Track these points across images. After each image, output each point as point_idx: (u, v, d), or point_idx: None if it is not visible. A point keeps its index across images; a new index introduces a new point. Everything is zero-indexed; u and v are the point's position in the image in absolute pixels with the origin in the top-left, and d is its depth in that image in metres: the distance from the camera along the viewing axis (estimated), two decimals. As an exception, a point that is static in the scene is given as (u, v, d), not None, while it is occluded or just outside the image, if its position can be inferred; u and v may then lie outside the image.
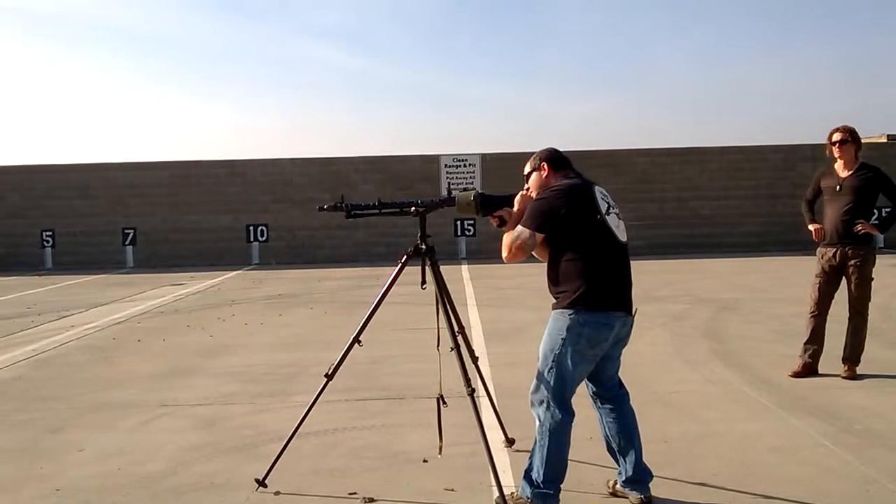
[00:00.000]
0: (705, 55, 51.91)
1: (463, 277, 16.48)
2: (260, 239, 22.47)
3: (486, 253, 20.38)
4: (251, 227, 22.45)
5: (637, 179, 22.20)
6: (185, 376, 7.89)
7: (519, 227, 4.17)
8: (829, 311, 7.09)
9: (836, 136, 6.90)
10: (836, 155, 6.94)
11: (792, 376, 7.02)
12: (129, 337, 10.35)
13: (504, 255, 4.24)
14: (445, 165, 22.47)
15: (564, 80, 52.53)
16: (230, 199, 22.65)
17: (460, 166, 22.46)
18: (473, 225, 21.64)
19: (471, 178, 22.23)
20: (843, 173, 6.91)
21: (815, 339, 7.05)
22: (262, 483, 4.61)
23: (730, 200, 22.41)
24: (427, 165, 22.51)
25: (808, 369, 7.05)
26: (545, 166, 4.32)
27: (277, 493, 4.57)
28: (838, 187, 6.89)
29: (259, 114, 51.55)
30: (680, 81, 52.35)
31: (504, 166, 21.08)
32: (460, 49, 54.05)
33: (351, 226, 20.82)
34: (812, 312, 7.07)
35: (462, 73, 54.72)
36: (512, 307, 12.07)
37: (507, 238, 4.23)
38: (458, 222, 21.73)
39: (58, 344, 9.89)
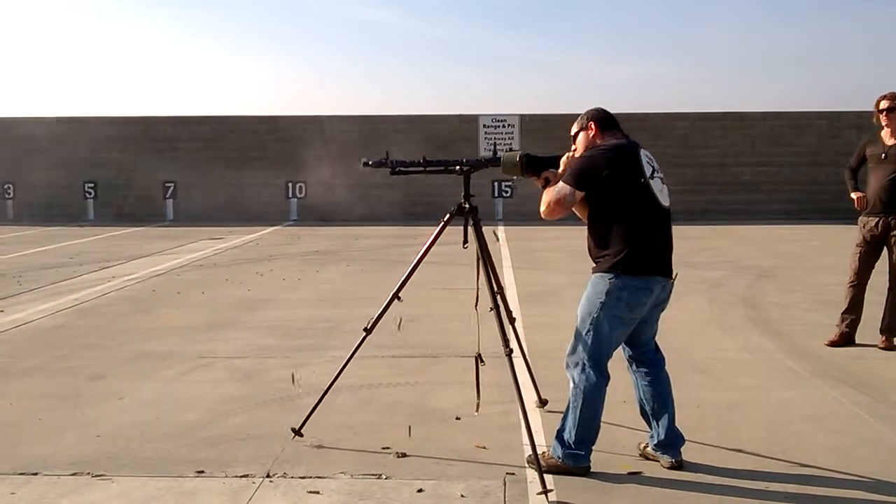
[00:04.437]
0: (751, 18, 50.79)
1: (499, 238, 16.45)
2: (298, 195, 22.59)
3: (523, 214, 20.33)
4: (290, 184, 22.56)
5: (677, 144, 21.92)
6: (223, 329, 8.00)
7: (560, 183, 4.15)
8: (869, 282, 7.00)
9: (884, 104, 6.76)
10: (883, 123, 6.81)
11: (828, 345, 6.97)
12: (168, 289, 10.50)
13: (542, 209, 4.22)
14: (484, 125, 22.35)
15: (606, 41, 51.68)
16: (270, 154, 22.73)
17: (499, 126, 22.34)
18: (511, 186, 21.57)
19: (509, 138, 22.08)
20: (890, 141, 6.78)
21: (854, 309, 6.97)
22: (298, 432, 4.68)
23: (771, 167, 22.09)
24: (466, 125, 22.41)
25: (845, 339, 6.99)
26: (593, 126, 4.28)
27: (315, 445, 4.64)
28: (883, 155, 6.77)
29: (299, 71, 51.41)
30: (725, 45, 51.35)
31: (543, 127, 20.92)
32: (501, 6, 53.34)
33: (389, 185, 20.83)
34: (851, 282, 6.99)
35: (501, 32, 54.11)
36: (547, 269, 12.06)
37: (546, 194, 4.22)
38: (497, 183, 21.67)
39: (99, 294, 10.06)
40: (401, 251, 14.45)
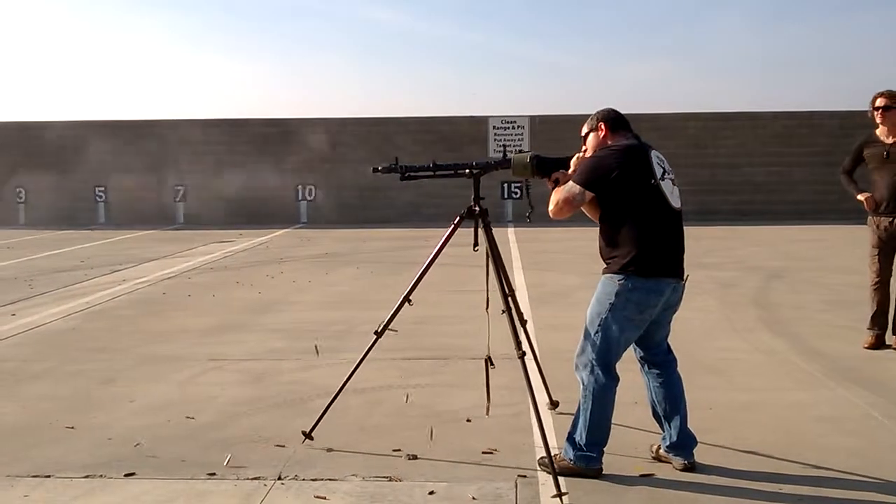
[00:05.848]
0: (761, 17, 50.57)
1: (509, 240, 16.45)
2: (308, 198, 22.61)
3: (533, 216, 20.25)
4: (300, 186, 22.59)
5: (688, 144, 21.85)
6: (234, 332, 8.01)
7: (569, 183, 4.15)
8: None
9: (880, 102, 6.65)
10: (878, 121, 6.71)
11: (866, 348, 6.83)
12: (179, 292, 10.52)
13: (550, 208, 4.21)
14: (494, 127, 22.35)
15: (616, 41, 51.56)
16: (279, 157, 22.75)
17: (509, 128, 22.33)
18: (520, 188, 21.52)
19: (519, 140, 22.09)
20: (889, 140, 6.67)
21: (884, 310, 6.87)
22: (308, 436, 4.68)
23: (783, 167, 22.00)
24: (475, 127, 22.41)
25: (880, 341, 6.89)
26: (603, 127, 4.27)
27: (327, 448, 4.64)
28: (886, 154, 6.67)
29: (308, 74, 51.48)
30: (735, 44, 51.15)
31: (552, 129, 20.89)
32: (511, 7, 53.29)
33: (399, 187, 20.79)
34: (874, 283, 6.83)
35: (511, 33, 54.06)
36: (557, 271, 12.04)
37: (555, 193, 4.21)
38: (506, 185, 21.64)
39: (110, 297, 10.09)
40: (410, 253, 14.44)
